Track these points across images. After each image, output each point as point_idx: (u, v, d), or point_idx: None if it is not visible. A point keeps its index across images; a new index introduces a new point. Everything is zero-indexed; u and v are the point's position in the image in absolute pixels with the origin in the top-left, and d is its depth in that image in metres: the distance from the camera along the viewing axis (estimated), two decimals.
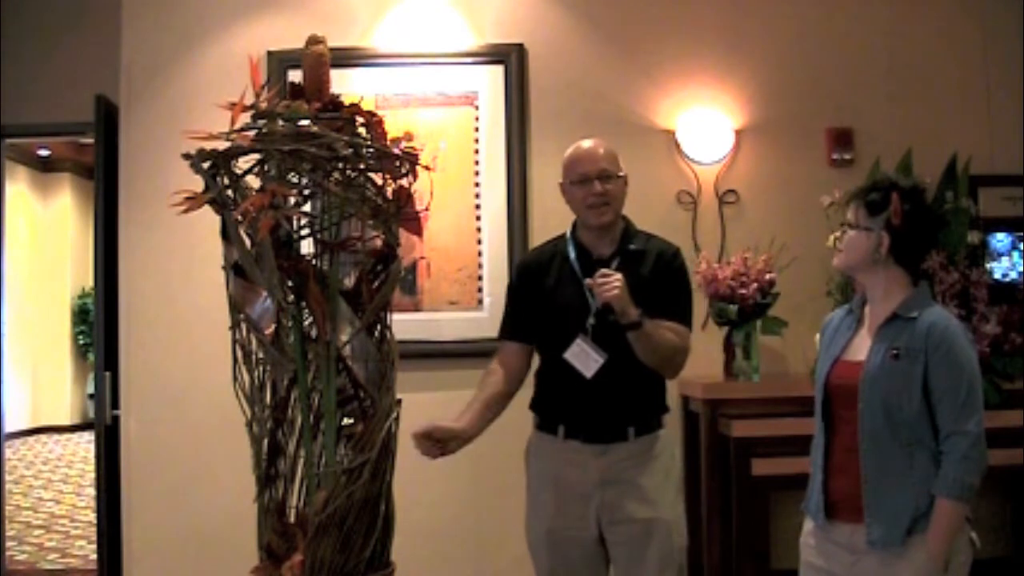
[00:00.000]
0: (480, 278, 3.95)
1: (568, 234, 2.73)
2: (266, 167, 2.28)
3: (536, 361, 2.78)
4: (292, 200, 2.39)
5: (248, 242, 2.27)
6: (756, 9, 4.10)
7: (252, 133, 2.24)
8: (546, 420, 2.69)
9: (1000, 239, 4.00)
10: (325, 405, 2.33)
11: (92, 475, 6.03)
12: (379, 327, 2.39)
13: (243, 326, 2.31)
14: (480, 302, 3.94)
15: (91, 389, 9.26)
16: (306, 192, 2.40)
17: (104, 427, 3.94)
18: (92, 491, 6.04)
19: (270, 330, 2.26)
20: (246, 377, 2.33)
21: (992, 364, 3.57)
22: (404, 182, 2.39)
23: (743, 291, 3.66)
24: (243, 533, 2.55)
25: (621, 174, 2.66)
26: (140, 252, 3.94)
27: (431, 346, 3.86)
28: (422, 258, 3.88)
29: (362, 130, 2.33)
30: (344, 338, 2.30)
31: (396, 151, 2.33)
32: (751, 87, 4.05)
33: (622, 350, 2.52)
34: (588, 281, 2.49)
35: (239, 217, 2.24)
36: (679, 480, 2.73)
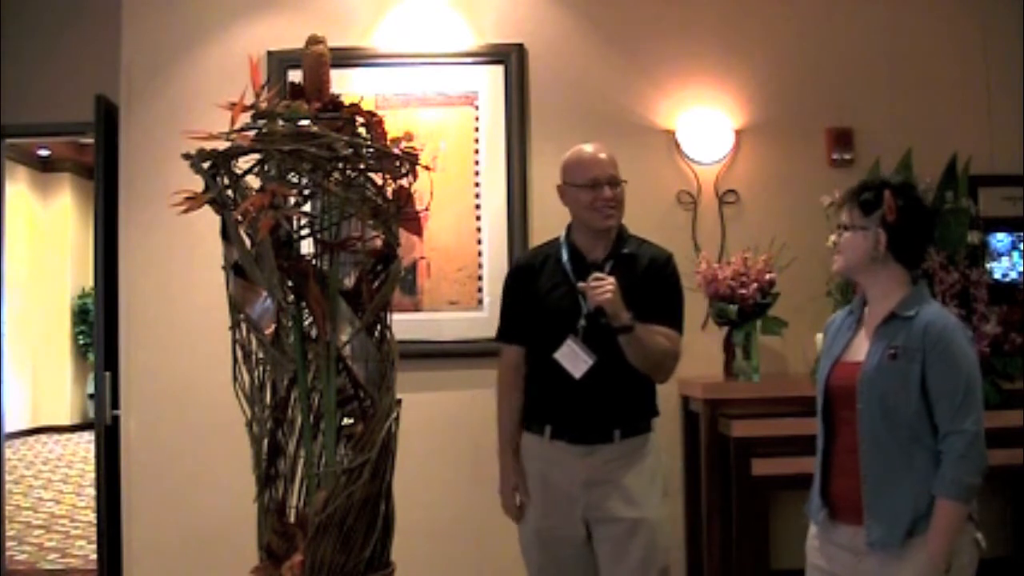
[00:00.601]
0: (480, 278, 3.95)
1: (562, 237, 2.75)
2: (266, 167, 2.28)
3: None
4: (292, 200, 2.40)
5: (248, 242, 2.27)
6: (756, 9, 4.10)
7: (252, 133, 2.24)
8: (533, 420, 2.71)
9: (1000, 239, 4.00)
10: (325, 405, 2.33)
11: (92, 475, 6.03)
12: (379, 327, 2.40)
13: (243, 326, 2.31)
14: (480, 302, 3.94)
15: (91, 389, 9.26)
16: (306, 192, 2.40)
17: (104, 427, 3.94)
18: (92, 491, 6.04)
19: (270, 330, 2.27)
20: (246, 377, 2.33)
21: (992, 364, 3.57)
22: (404, 182, 2.39)
23: (743, 291, 3.66)
24: (243, 533, 2.55)
25: (624, 180, 2.69)
26: (140, 252, 3.94)
27: (431, 346, 3.87)
28: (422, 258, 3.88)
29: (362, 130, 2.33)
30: (344, 338, 2.30)
31: (396, 151, 2.33)
32: (751, 87, 4.05)
33: (612, 352, 2.54)
34: (581, 285, 2.51)
35: (239, 217, 2.24)
36: (665, 483, 2.73)
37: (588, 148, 2.70)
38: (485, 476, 3.81)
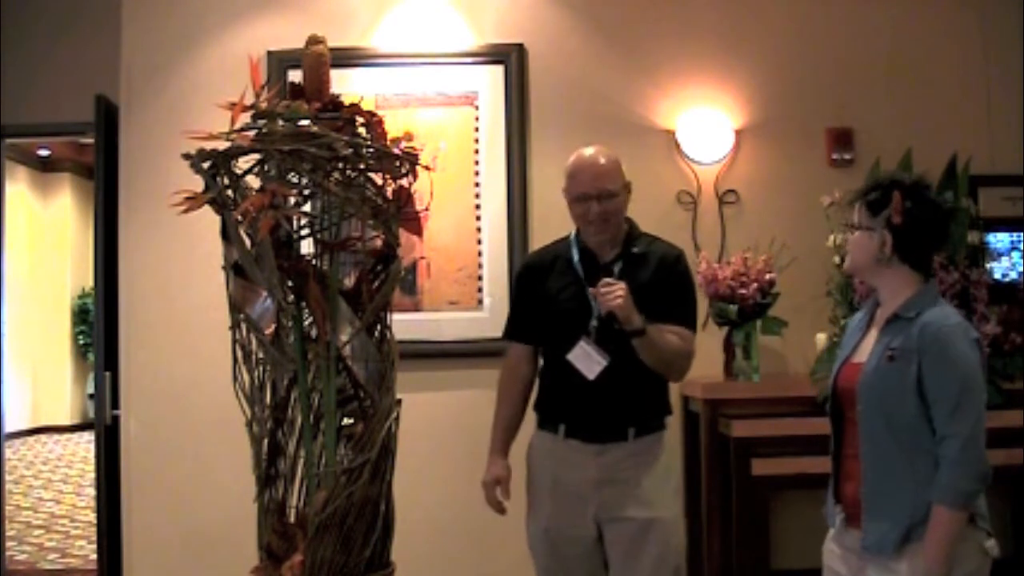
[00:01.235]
0: (480, 278, 3.95)
1: (572, 236, 2.73)
2: (266, 167, 2.29)
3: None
4: (292, 200, 2.40)
5: (248, 242, 2.28)
6: (756, 9, 4.10)
7: (252, 133, 2.24)
8: (547, 419, 2.70)
9: (1000, 239, 4.00)
10: (325, 405, 2.33)
11: (92, 475, 6.03)
12: (379, 327, 2.40)
13: (243, 326, 2.31)
14: (480, 302, 3.94)
15: (91, 389, 9.26)
16: (306, 192, 2.40)
17: (104, 427, 3.94)
18: (92, 491, 6.05)
19: (270, 330, 2.27)
20: (246, 377, 2.33)
21: (992, 364, 3.57)
22: (404, 182, 2.39)
23: (743, 291, 3.66)
24: (243, 533, 2.55)
25: (620, 189, 2.62)
26: (140, 252, 3.94)
27: (431, 346, 3.87)
28: (422, 258, 3.88)
29: (362, 130, 2.33)
30: (344, 338, 2.30)
31: (396, 151, 2.33)
32: (751, 87, 4.05)
33: (625, 352, 2.53)
34: (592, 290, 2.50)
35: (239, 217, 2.24)
36: (678, 480, 2.73)
37: (585, 155, 2.64)
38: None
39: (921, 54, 4.11)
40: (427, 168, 2.41)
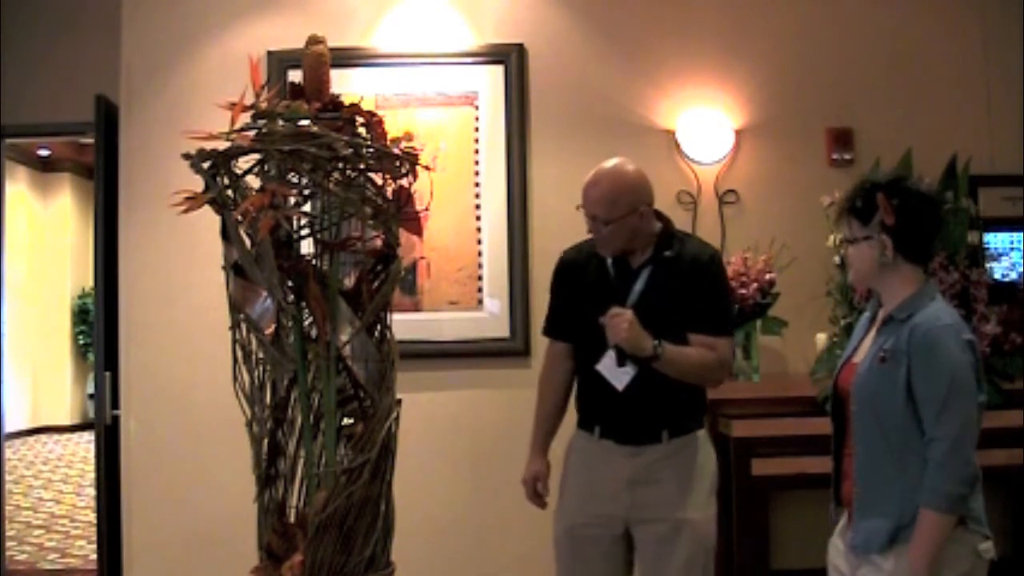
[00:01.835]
0: (480, 278, 3.95)
1: None
2: (266, 167, 2.29)
3: None
4: (292, 200, 2.40)
5: (248, 242, 2.28)
6: (756, 9, 4.09)
7: (252, 133, 2.24)
8: (584, 418, 2.72)
9: (1000, 239, 4.00)
10: (325, 405, 2.33)
11: (92, 475, 6.03)
12: (379, 327, 2.40)
13: (243, 326, 2.31)
14: (480, 302, 3.94)
15: (91, 389, 9.25)
16: (306, 192, 2.40)
17: (104, 427, 3.94)
18: (92, 491, 6.04)
19: (270, 330, 2.27)
20: (246, 377, 2.33)
21: (992, 364, 3.57)
22: (404, 182, 2.39)
23: (743, 291, 3.66)
24: (243, 533, 2.55)
25: (619, 217, 2.53)
26: (140, 252, 3.94)
27: (431, 346, 3.86)
28: (422, 258, 3.88)
29: (362, 130, 2.33)
30: (344, 338, 2.30)
31: (396, 151, 2.33)
32: (751, 87, 4.05)
33: None
34: (602, 318, 2.47)
35: (239, 217, 2.24)
36: (713, 480, 2.67)
37: (594, 175, 2.59)
38: (485, 476, 3.83)
39: (921, 54, 4.11)
40: (427, 168, 2.41)
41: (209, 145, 2.23)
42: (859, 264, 2.23)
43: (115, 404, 3.92)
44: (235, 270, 2.28)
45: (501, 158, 3.96)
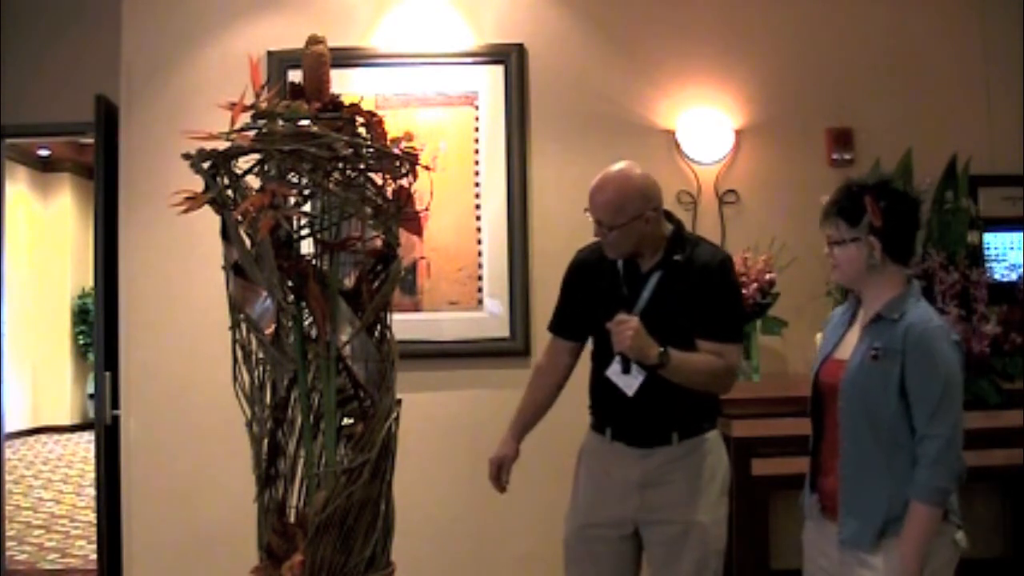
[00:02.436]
0: (480, 278, 3.95)
1: None
2: (266, 167, 2.28)
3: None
4: (292, 200, 2.39)
5: (248, 242, 2.27)
6: (756, 9, 4.10)
7: (252, 133, 2.24)
8: (597, 421, 2.73)
9: (1000, 239, 4.00)
10: (325, 405, 2.33)
11: (92, 475, 6.03)
12: (379, 327, 2.39)
13: (243, 326, 2.31)
14: (480, 302, 3.94)
15: (91, 389, 9.26)
16: (306, 192, 2.40)
17: (104, 427, 3.94)
18: (92, 491, 6.04)
19: (270, 330, 2.26)
20: (246, 377, 2.33)
21: (992, 364, 3.57)
22: (404, 182, 2.39)
23: (743, 291, 3.66)
24: (243, 533, 2.55)
25: (624, 222, 2.52)
26: (140, 252, 3.94)
27: (431, 346, 3.87)
28: (422, 258, 3.88)
29: (362, 130, 2.33)
30: (344, 338, 2.30)
31: (396, 151, 2.33)
32: (751, 87, 4.05)
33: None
34: (608, 325, 2.47)
35: (239, 217, 2.23)
36: (724, 482, 2.67)
37: (600, 179, 2.57)
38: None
39: (921, 54, 4.11)
40: (427, 168, 2.41)
41: (209, 145, 2.23)
42: (847, 265, 2.27)
43: (115, 404, 3.92)
44: (235, 270, 2.28)
45: (501, 158, 3.96)
